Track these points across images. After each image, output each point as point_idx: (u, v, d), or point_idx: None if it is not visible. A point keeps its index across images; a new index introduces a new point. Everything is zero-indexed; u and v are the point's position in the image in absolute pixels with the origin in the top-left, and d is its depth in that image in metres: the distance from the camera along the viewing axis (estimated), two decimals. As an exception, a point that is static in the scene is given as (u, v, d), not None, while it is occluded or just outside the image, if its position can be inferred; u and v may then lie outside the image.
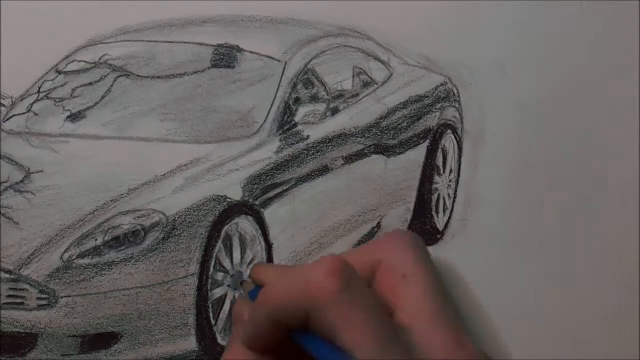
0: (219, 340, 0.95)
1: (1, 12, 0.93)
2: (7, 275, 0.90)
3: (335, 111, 1.02)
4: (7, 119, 0.98)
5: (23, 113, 0.98)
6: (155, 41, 1.00)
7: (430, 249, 1.04)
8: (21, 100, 0.98)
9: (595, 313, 0.98)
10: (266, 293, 0.66)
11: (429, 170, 1.07)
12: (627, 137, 1.00)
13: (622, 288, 0.99)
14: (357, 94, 1.04)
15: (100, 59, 0.99)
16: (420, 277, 0.66)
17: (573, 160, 1.00)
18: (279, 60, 1.02)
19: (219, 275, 0.95)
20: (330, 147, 1.00)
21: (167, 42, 1.00)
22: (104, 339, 0.92)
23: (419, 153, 1.07)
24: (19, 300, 0.91)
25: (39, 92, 0.98)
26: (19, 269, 0.90)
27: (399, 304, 0.65)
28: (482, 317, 0.91)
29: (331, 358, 0.62)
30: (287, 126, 1.00)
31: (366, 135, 1.03)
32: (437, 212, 1.08)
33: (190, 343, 0.94)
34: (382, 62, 1.06)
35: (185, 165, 0.95)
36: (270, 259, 0.98)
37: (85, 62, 0.99)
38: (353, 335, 0.61)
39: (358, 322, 0.61)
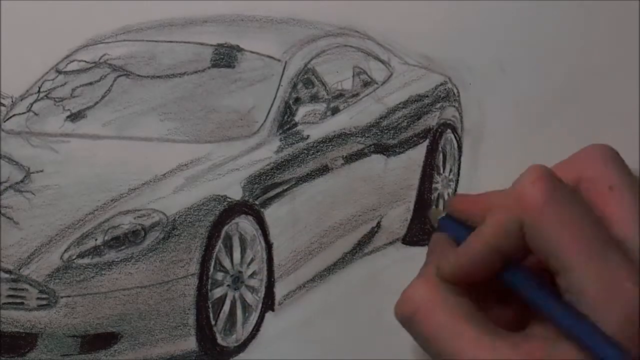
0: (219, 341, 0.95)
1: (1, 11, 0.93)
2: (7, 275, 0.90)
3: (335, 111, 1.02)
4: (7, 119, 0.98)
5: (23, 113, 0.98)
6: (155, 41, 1.00)
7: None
8: (21, 100, 0.98)
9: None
10: (477, 231, 0.63)
11: (429, 169, 1.07)
12: (627, 137, 1.00)
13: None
14: (357, 94, 1.04)
15: (100, 58, 0.99)
16: (629, 187, 0.64)
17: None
18: (279, 60, 1.02)
19: (219, 276, 0.95)
20: (330, 147, 1.00)
21: (168, 41, 1.00)
22: (104, 339, 0.92)
23: (419, 153, 1.07)
24: (18, 300, 0.90)
25: (39, 92, 0.98)
26: (19, 269, 0.90)
27: (608, 215, 0.63)
28: None
29: (545, 301, 0.61)
30: (288, 126, 1.00)
31: (366, 135, 1.03)
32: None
33: (190, 343, 0.93)
34: (382, 62, 1.06)
35: (186, 165, 0.95)
36: (270, 259, 0.98)
37: (85, 62, 0.99)
38: (570, 243, 0.59)
39: (574, 228, 0.59)
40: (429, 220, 0.88)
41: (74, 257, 0.91)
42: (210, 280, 0.94)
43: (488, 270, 0.63)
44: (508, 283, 0.64)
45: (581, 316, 0.58)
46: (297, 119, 1.00)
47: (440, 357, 0.64)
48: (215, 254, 0.94)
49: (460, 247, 0.65)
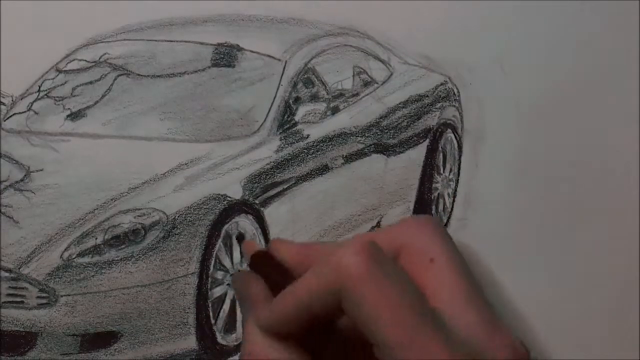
0: (219, 340, 0.95)
1: (1, 10, 0.93)
2: (7, 274, 0.90)
3: (335, 110, 1.02)
4: (7, 118, 0.98)
5: (23, 112, 0.98)
6: (155, 40, 1.00)
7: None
8: (21, 99, 0.98)
9: (595, 313, 0.98)
10: (292, 287, 0.64)
11: (429, 169, 1.07)
12: (627, 137, 1.00)
13: (622, 288, 0.99)
14: (357, 94, 1.04)
15: (100, 58, 0.99)
16: (449, 260, 0.64)
17: (573, 160, 1.00)
18: (279, 60, 1.02)
19: (219, 274, 0.95)
20: (330, 147, 1.00)
21: (168, 41, 1.00)
22: (104, 338, 0.92)
23: (419, 152, 1.07)
24: (18, 299, 0.91)
25: (39, 91, 0.98)
26: (19, 268, 0.90)
27: (427, 288, 0.63)
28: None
29: None
30: (288, 125, 1.00)
31: (366, 135, 1.03)
32: (437, 212, 1.08)
33: (190, 342, 0.94)
34: (382, 61, 1.06)
35: (186, 164, 0.95)
36: (270, 258, 0.98)
37: (85, 61, 0.99)
38: (386, 313, 0.59)
39: (391, 298, 0.59)
40: (243, 252, 0.87)
41: (74, 256, 0.91)
42: (210, 279, 0.94)
43: (300, 327, 0.63)
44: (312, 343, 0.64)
45: None
46: (297, 118, 1.00)
47: None
48: (215, 252, 0.94)
49: (275, 303, 0.65)
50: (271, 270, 0.67)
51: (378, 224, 1.05)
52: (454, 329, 0.60)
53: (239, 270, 0.82)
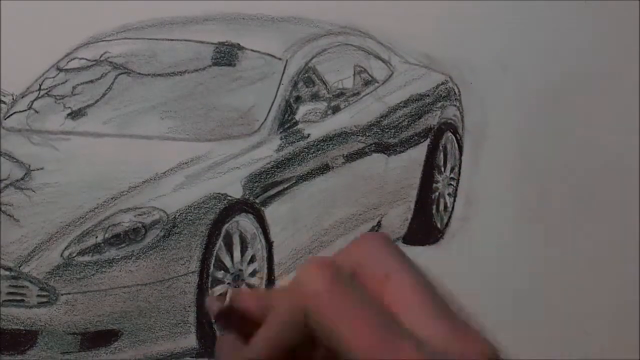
0: (220, 338, 0.95)
1: (2, 10, 0.93)
2: (7, 273, 0.90)
3: (336, 110, 1.02)
4: (8, 117, 0.98)
5: (24, 110, 0.98)
6: (156, 39, 1.00)
7: (431, 248, 1.04)
8: (22, 97, 0.98)
9: (595, 313, 0.98)
10: (262, 329, 0.64)
11: (429, 169, 1.07)
12: (627, 137, 1.00)
13: (622, 288, 0.99)
14: (358, 93, 1.04)
15: (101, 56, 0.99)
16: (404, 273, 0.64)
17: (573, 159, 1.00)
18: (280, 59, 1.02)
19: (220, 274, 0.95)
20: (331, 146, 1.00)
21: (168, 40, 1.00)
22: (104, 337, 0.92)
23: (419, 152, 1.07)
24: (19, 298, 0.91)
25: (39, 89, 0.98)
26: (20, 266, 0.90)
27: (387, 303, 0.63)
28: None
29: None
30: (288, 124, 1.00)
31: (367, 134, 1.03)
32: (437, 211, 1.08)
33: (190, 340, 0.93)
34: (383, 60, 1.06)
35: (186, 163, 0.95)
36: (270, 257, 0.98)
37: (86, 59, 0.99)
38: (351, 326, 0.59)
39: (355, 311, 0.59)
40: (207, 310, 0.87)
41: (74, 255, 0.91)
42: (210, 278, 0.94)
43: None
44: None
45: None
46: (297, 117, 1.00)
47: None
48: (215, 252, 0.94)
49: (247, 349, 0.64)
50: (238, 323, 0.68)
51: (379, 224, 1.05)
52: (420, 338, 0.60)
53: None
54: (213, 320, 0.68)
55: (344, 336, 0.60)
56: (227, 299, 0.73)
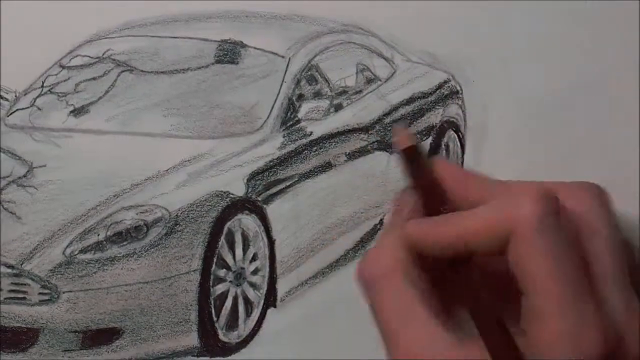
0: (221, 337, 0.95)
1: (4, 7, 0.93)
2: (9, 270, 0.90)
3: (338, 108, 1.02)
4: (10, 114, 0.98)
5: (26, 107, 0.98)
6: (159, 36, 1.00)
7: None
8: (25, 94, 0.98)
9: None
10: (459, 217, 0.62)
11: (431, 167, 1.07)
12: (627, 137, 1.00)
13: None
14: (360, 91, 1.04)
15: (104, 54, 0.99)
16: (610, 237, 0.64)
17: (575, 158, 1.00)
18: (282, 57, 1.02)
19: (221, 272, 0.95)
20: (333, 144, 1.00)
21: (171, 37, 1.00)
22: (105, 335, 0.92)
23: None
24: (20, 295, 0.91)
25: (42, 86, 0.98)
26: (21, 264, 0.90)
27: (582, 259, 0.63)
28: None
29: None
30: (291, 122, 1.00)
31: (369, 132, 1.03)
32: (439, 210, 1.07)
33: (192, 339, 0.94)
34: (385, 58, 1.06)
35: (189, 160, 0.95)
36: (272, 255, 0.98)
37: (89, 57, 0.99)
38: (549, 268, 0.58)
39: (558, 255, 0.58)
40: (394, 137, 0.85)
41: (76, 253, 0.91)
42: (212, 277, 0.94)
43: (451, 258, 0.62)
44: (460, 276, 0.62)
45: (512, 346, 0.58)
46: (300, 115, 1.00)
47: (385, 334, 0.64)
48: (217, 250, 0.94)
49: (435, 224, 0.63)
50: (421, 176, 0.65)
51: (381, 222, 1.04)
52: (604, 304, 0.60)
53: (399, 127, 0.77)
54: (398, 151, 0.67)
55: (537, 276, 0.59)
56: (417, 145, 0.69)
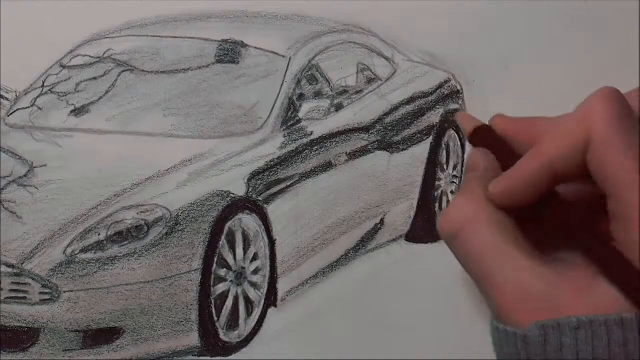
0: (222, 336, 0.95)
1: (4, 7, 0.93)
2: (10, 270, 0.90)
3: (339, 107, 1.02)
4: (11, 113, 0.98)
5: (27, 107, 0.98)
6: (159, 36, 1.00)
7: (433, 246, 1.04)
8: (25, 94, 0.98)
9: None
10: (542, 144, 0.62)
11: (432, 166, 1.07)
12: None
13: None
14: (361, 91, 1.04)
15: (104, 53, 0.99)
16: None
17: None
18: (283, 56, 1.02)
19: (222, 272, 0.95)
20: (334, 144, 1.00)
21: (172, 37, 1.00)
22: (106, 334, 0.92)
23: (422, 150, 1.07)
24: (21, 295, 0.90)
25: (43, 86, 0.98)
26: (22, 264, 0.90)
27: None
28: None
29: (590, 243, 0.60)
30: (291, 122, 1.00)
31: (370, 132, 1.03)
32: (440, 209, 1.07)
33: (192, 339, 0.93)
34: (386, 58, 1.06)
35: (189, 160, 0.95)
36: (273, 255, 0.98)
37: (89, 57, 0.99)
38: (633, 167, 0.58)
39: (635, 155, 0.58)
40: (460, 127, 0.85)
41: (77, 252, 0.91)
42: (213, 276, 0.94)
43: (538, 194, 0.62)
44: (552, 208, 0.63)
45: (624, 261, 0.58)
46: (301, 115, 1.00)
47: (481, 277, 0.63)
48: (218, 250, 0.94)
49: (512, 170, 0.64)
50: (494, 145, 0.66)
51: (382, 221, 1.05)
52: None
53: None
54: (467, 139, 0.68)
55: (619, 176, 0.59)
56: (491, 121, 0.70)
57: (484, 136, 0.68)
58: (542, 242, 0.65)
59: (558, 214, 0.63)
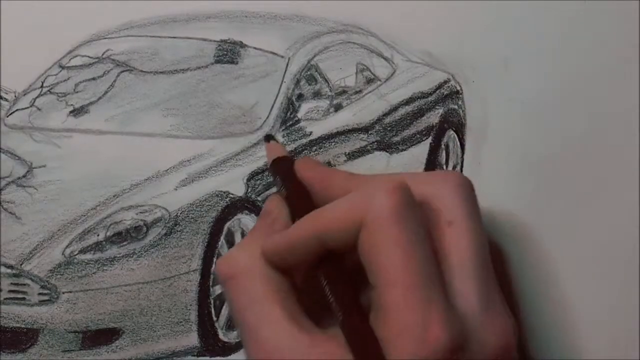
0: (221, 337, 0.95)
1: (3, 7, 0.93)
2: (8, 271, 0.90)
3: (338, 108, 1.02)
4: (10, 114, 0.97)
5: (26, 108, 0.98)
6: (158, 36, 1.00)
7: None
8: (24, 95, 0.98)
9: (595, 313, 0.98)
10: (318, 213, 0.62)
11: (431, 167, 1.07)
12: (627, 137, 1.00)
13: (622, 288, 0.99)
14: (360, 91, 1.04)
15: (103, 54, 0.99)
16: (467, 228, 0.63)
17: (575, 158, 1.00)
18: (282, 57, 1.02)
19: (221, 272, 0.95)
20: (333, 144, 1.00)
21: (171, 37, 1.00)
22: (105, 335, 0.92)
23: (421, 150, 1.07)
24: (20, 296, 0.91)
25: (42, 87, 0.98)
26: (21, 264, 0.90)
27: (439, 249, 0.62)
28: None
29: (343, 308, 0.60)
30: (290, 122, 1.00)
31: (369, 132, 1.03)
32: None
33: (192, 339, 0.94)
34: (385, 58, 1.06)
35: (188, 160, 0.95)
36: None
37: (88, 57, 0.99)
38: (397, 260, 0.58)
39: (408, 247, 0.58)
40: (266, 150, 0.86)
41: (75, 253, 0.91)
42: (212, 276, 0.94)
43: (309, 260, 0.62)
44: (319, 276, 0.63)
45: (370, 338, 0.58)
46: (300, 115, 1.00)
47: (242, 328, 0.64)
48: (217, 250, 0.94)
49: (285, 232, 0.64)
50: (288, 180, 0.66)
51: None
52: (454, 300, 0.59)
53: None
54: (268, 164, 0.68)
55: (385, 266, 0.59)
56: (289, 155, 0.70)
57: (282, 167, 0.68)
58: (322, 306, 0.65)
59: (319, 286, 0.63)
